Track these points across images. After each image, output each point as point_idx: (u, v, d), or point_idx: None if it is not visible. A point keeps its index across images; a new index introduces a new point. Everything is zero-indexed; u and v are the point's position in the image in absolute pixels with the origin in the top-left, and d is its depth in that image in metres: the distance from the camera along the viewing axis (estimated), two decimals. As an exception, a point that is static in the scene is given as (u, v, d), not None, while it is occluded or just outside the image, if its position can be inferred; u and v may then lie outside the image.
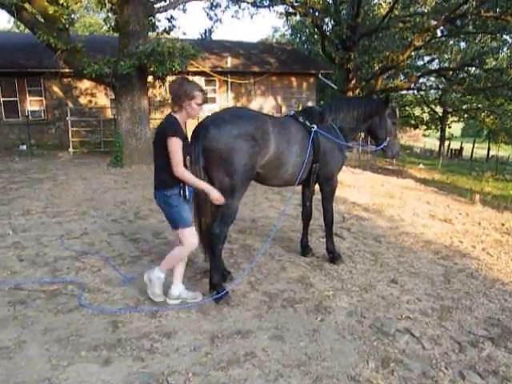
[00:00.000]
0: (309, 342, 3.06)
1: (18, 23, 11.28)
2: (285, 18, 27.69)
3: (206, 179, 3.54)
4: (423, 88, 28.38)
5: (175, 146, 3.15)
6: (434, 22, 18.64)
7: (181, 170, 3.20)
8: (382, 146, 4.68)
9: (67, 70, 11.66)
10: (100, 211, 6.47)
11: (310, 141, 4.04)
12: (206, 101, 3.36)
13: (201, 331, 3.16)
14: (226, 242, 4.07)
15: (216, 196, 3.34)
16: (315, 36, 28.89)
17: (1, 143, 14.67)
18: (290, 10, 21.10)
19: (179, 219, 3.38)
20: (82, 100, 16.28)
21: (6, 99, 15.10)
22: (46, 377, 2.61)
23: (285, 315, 3.45)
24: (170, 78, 11.71)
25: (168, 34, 12.60)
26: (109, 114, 16.22)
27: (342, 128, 4.43)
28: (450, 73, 24.56)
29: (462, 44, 25.07)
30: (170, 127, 3.21)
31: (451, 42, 24.08)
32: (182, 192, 3.32)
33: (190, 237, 3.41)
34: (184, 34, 15.43)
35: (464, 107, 32.73)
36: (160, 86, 12.46)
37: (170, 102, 3.39)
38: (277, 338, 3.10)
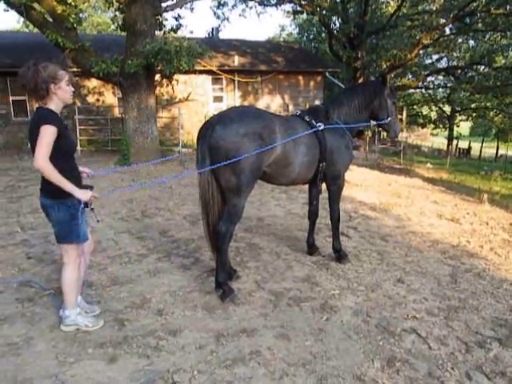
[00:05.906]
0: (314, 341, 3.06)
1: (27, 23, 11.35)
2: (292, 16, 27.68)
3: (213, 178, 3.54)
4: (431, 86, 28.27)
5: (47, 135, 2.66)
6: (442, 20, 18.52)
7: (43, 163, 2.64)
8: (385, 121, 4.61)
9: (75, 69, 11.71)
10: (107, 209, 6.51)
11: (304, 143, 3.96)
12: (72, 77, 2.86)
13: (206, 329, 3.17)
14: (232, 241, 4.07)
15: (80, 195, 2.78)
16: (322, 34, 28.87)
17: (10, 142, 14.79)
18: (298, 8, 21.07)
19: (78, 234, 2.93)
20: (90, 99, 16.37)
21: (15, 98, 15.19)
22: (53, 373, 2.64)
23: (290, 314, 3.45)
24: (177, 77, 11.74)
25: (175, 32, 12.61)
26: (116, 112, 16.31)
27: (347, 122, 4.37)
28: (459, 71, 24.40)
29: (471, 42, 24.82)
30: (43, 117, 2.73)
31: (460, 40, 23.87)
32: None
33: (79, 250, 3.04)
34: (191, 32, 15.41)
35: (472, 106, 32.53)
36: (167, 85, 12.46)
37: (31, 96, 2.81)
38: (282, 337, 3.10)
